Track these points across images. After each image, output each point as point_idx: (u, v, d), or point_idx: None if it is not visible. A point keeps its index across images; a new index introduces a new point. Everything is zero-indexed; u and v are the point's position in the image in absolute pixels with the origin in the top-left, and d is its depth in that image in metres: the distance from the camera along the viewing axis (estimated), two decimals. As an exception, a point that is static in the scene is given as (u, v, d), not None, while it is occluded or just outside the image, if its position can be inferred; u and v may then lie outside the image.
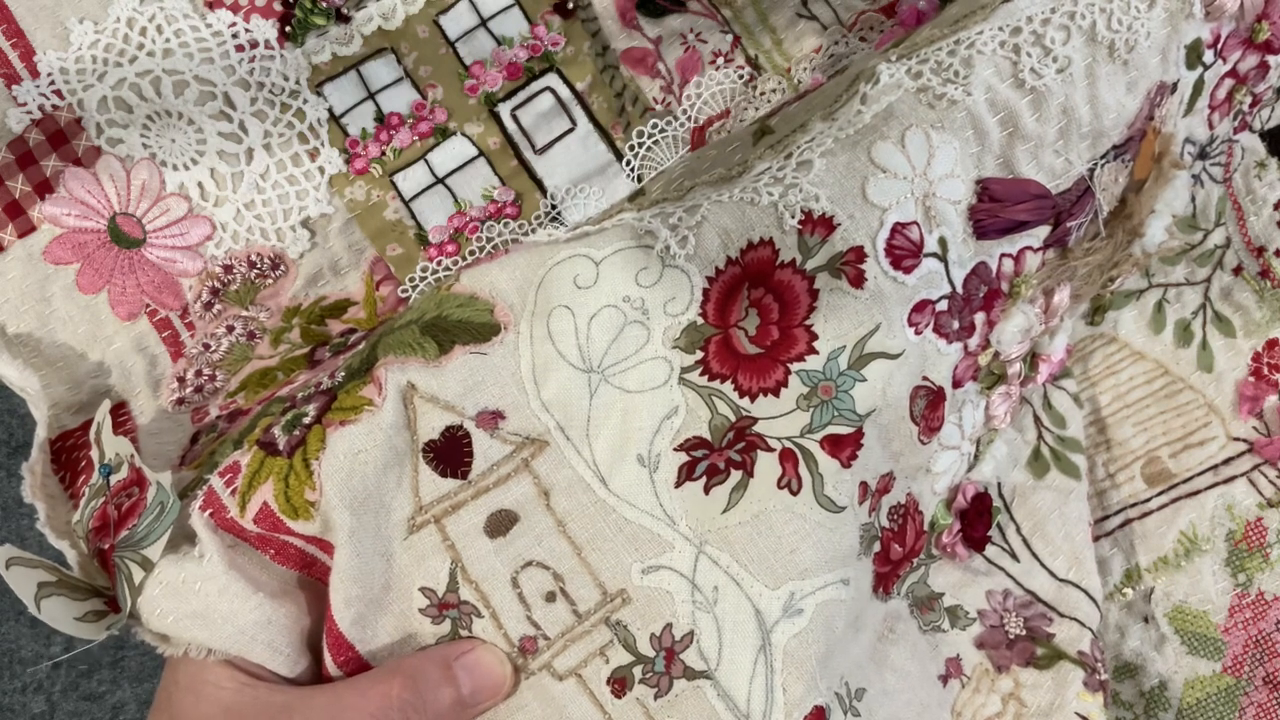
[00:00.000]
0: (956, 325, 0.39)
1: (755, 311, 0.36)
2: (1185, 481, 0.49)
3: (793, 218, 0.36)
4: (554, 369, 0.35)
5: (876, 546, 0.40)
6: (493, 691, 0.35)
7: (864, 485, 0.38)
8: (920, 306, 0.38)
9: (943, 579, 0.45)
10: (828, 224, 0.36)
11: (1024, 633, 0.44)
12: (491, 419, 0.35)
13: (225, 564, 0.34)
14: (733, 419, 0.36)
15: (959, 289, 0.39)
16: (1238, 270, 0.51)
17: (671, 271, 0.35)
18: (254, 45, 0.43)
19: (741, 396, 0.36)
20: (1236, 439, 0.49)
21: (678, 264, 0.35)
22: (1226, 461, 0.49)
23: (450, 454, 0.35)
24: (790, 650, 0.35)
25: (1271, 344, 0.50)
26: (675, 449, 0.35)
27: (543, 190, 0.45)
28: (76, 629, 0.35)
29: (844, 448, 0.36)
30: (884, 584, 0.42)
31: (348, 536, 0.34)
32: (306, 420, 0.35)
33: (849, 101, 0.38)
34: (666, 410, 0.35)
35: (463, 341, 0.35)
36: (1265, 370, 0.50)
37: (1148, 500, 0.49)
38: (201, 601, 0.34)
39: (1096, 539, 0.49)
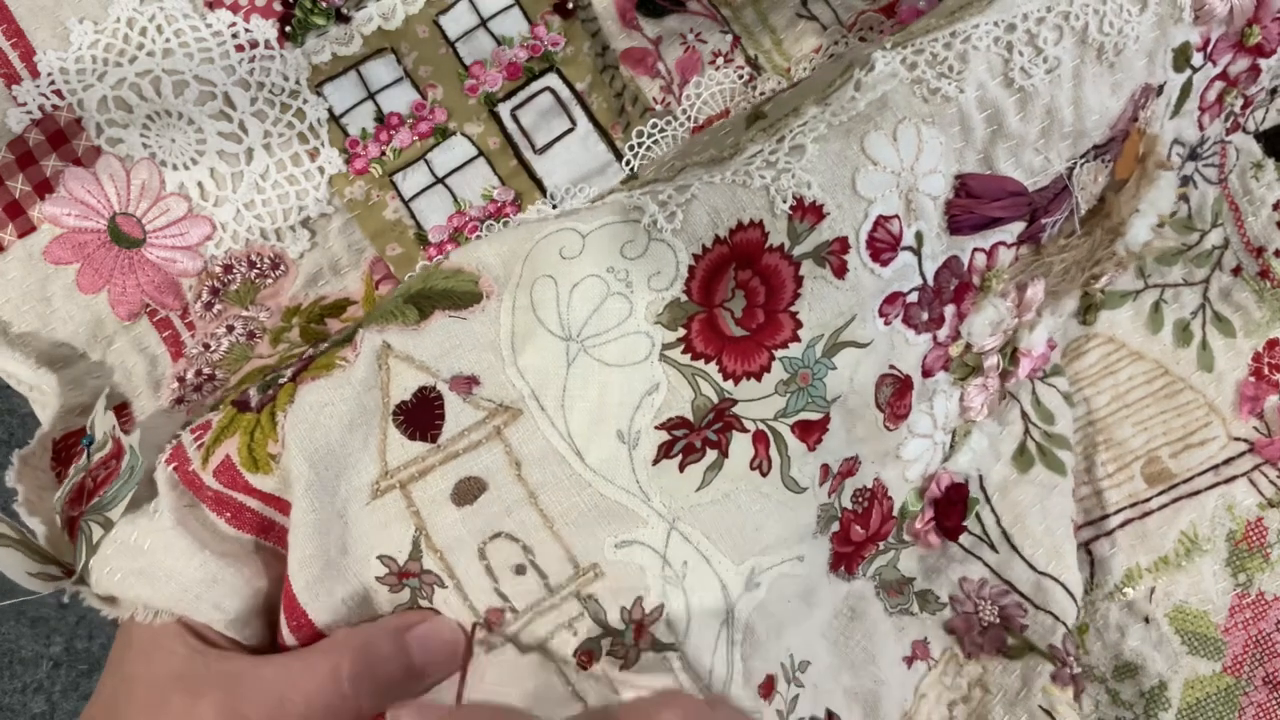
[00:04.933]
0: (925, 317, 0.40)
1: (742, 294, 0.36)
2: (1185, 481, 0.49)
3: (784, 202, 0.35)
4: (533, 335, 0.35)
5: (835, 526, 0.40)
6: (446, 664, 0.35)
7: (825, 467, 0.38)
8: (892, 298, 0.38)
9: (914, 564, 0.45)
10: (817, 211, 0.36)
11: (997, 621, 0.45)
12: (466, 383, 0.35)
13: (173, 520, 0.34)
14: (715, 400, 0.35)
15: (930, 282, 0.39)
16: (1237, 270, 0.51)
17: (657, 245, 0.35)
18: (254, 45, 0.43)
19: (725, 379, 0.35)
20: (1237, 439, 0.50)
21: (664, 238, 0.35)
22: (1227, 461, 0.49)
23: (421, 415, 0.35)
24: (750, 623, 0.36)
25: (1271, 344, 0.50)
26: (657, 427, 0.35)
27: (542, 190, 0.45)
28: (27, 581, 0.34)
29: (812, 433, 0.37)
30: (846, 564, 0.42)
31: (304, 490, 0.33)
32: (281, 381, 0.35)
33: (843, 86, 0.38)
34: (647, 387, 0.35)
35: (443, 307, 0.35)
36: (1265, 370, 0.50)
37: (1148, 500, 0.49)
38: (148, 559, 0.34)
39: (1096, 539, 0.49)
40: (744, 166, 0.36)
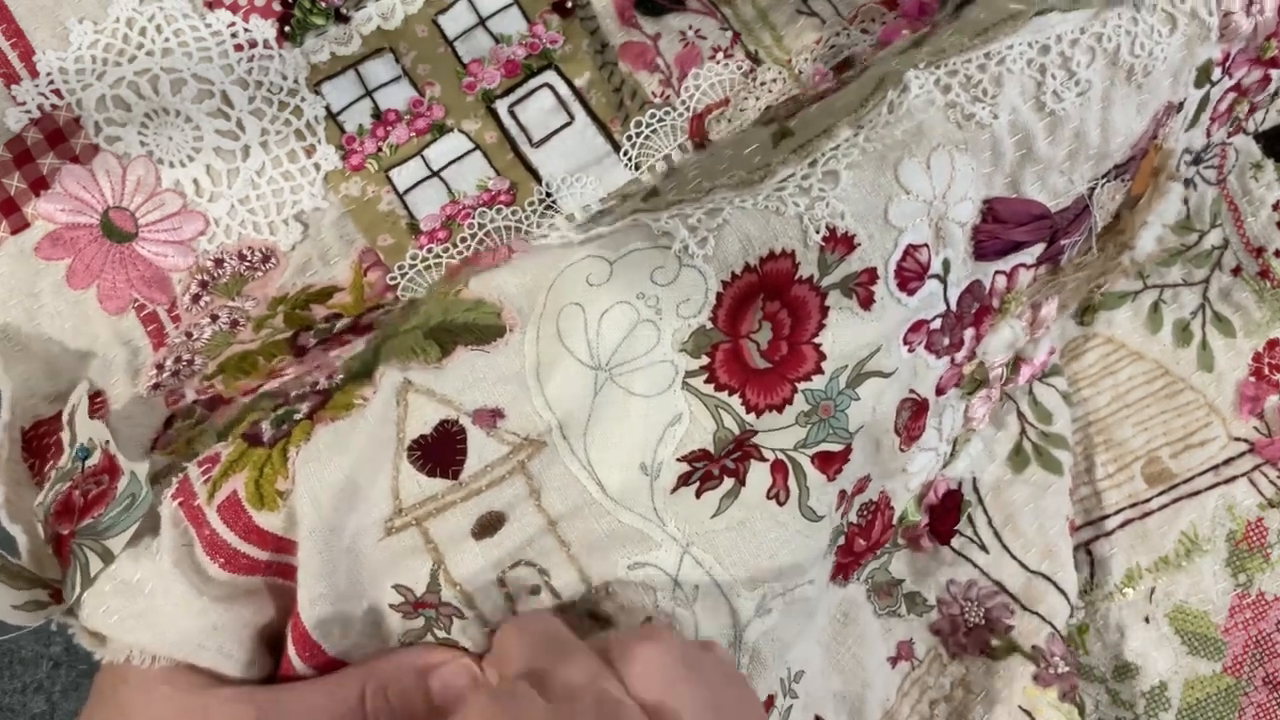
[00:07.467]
0: (947, 342, 0.39)
1: (769, 325, 0.35)
2: (1186, 482, 0.49)
3: (817, 233, 0.35)
4: (560, 365, 0.34)
5: (840, 540, 0.40)
6: (461, 705, 0.34)
7: (842, 493, 0.38)
8: (916, 326, 0.37)
9: (904, 566, 0.45)
10: (848, 242, 0.35)
11: (982, 622, 0.45)
12: (490, 417, 0.34)
13: (172, 561, 0.33)
14: (737, 432, 0.35)
15: (953, 307, 0.39)
16: (1237, 270, 0.51)
17: (688, 271, 0.34)
18: (253, 45, 0.43)
19: (748, 412, 0.35)
20: (1237, 439, 0.49)
21: (695, 264, 0.34)
22: (1227, 461, 0.49)
23: (442, 451, 0.33)
24: (757, 647, 0.36)
25: (1272, 344, 0.50)
26: (678, 459, 0.34)
27: (538, 179, 0.45)
28: (11, 615, 0.33)
29: (832, 463, 0.36)
30: (844, 572, 0.42)
31: (309, 532, 0.32)
32: (297, 417, 0.34)
33: (876, 108, 0.37)
34: (670, 417, 0.34)
35: (465, 342, 0.34)
36: (1266, 370, 0.50)
37: (1148, 500, 0.49)
38: (148, 602, 0.32)
39: (1096, 539, 0.49)
40: (776, 191, 0.35)
